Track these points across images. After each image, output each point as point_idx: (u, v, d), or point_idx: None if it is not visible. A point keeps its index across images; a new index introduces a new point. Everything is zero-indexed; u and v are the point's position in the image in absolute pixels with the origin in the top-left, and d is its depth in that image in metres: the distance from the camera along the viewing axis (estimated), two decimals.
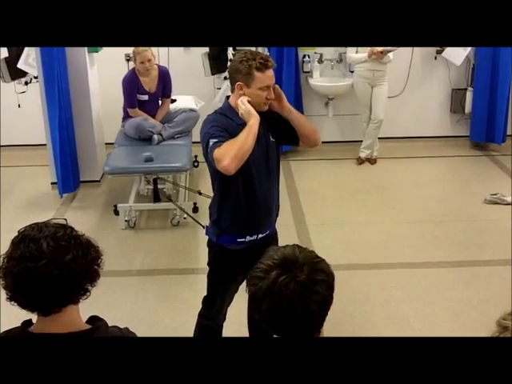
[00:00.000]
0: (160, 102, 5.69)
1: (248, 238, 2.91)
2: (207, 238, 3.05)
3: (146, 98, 5.47)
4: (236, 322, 3.28)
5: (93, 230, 4.82)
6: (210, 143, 2.67)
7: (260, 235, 2.93)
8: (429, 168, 6.47)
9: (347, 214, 5.33)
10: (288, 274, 1.56)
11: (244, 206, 2.84)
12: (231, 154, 2.59)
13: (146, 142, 5.46)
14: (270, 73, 2.72)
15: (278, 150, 2.96)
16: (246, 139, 2.64)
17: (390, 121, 6.53)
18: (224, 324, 3.17)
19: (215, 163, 2.64)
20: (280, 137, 2.92)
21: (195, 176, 6.02)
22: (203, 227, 3.11)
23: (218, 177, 2.82)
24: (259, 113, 2.77)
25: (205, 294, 3.12)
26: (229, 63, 6.15)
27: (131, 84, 5.40)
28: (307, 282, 1.56)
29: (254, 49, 6.37)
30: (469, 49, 6.41)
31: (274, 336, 1.65)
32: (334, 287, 1.62)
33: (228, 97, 2.87)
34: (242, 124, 2.75)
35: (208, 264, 3.07)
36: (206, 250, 3.08)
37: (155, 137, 5.44)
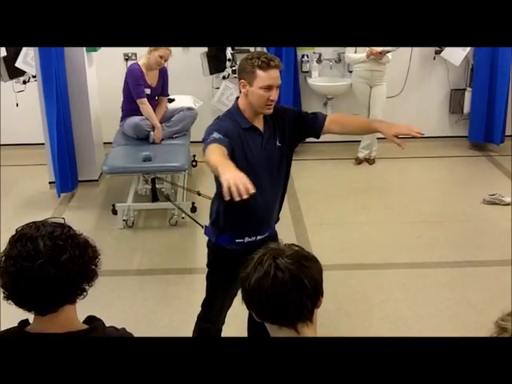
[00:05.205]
0: (157, 101, 5.68)
1: (246, 239, 2.89)
2: (207, 238, 3.03)
3: (148, 91, 5.46)
4: (236, 325, 3.27)
5: (91, 230, 4.82)
6: (209, 139, 2.65)
7: (259, 237, 2.91)
8: (427, 168, 6.47)
9: (345, 214, 5.33)
10: (275, 251, 1.62)
11: (243, 208, 2.82)
12: (211, 160, 2.55)
13: (144, 142, 5.44)
14: (274, 73, 2.68)
15: (286, 154, 2.90)
16: (214, 166, 2.51)
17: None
18: (223, 327, 3.15)
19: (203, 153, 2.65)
20: (297, 136, 2.91)
21: (194, 176, 6.01)
22: (202, 227, 3.09)
23: (215, 177, 2.82)
24: (266, 116, 2.80)
25: (203, 294, 3.11)
26: (228, 63, 6.18)
27: (139, 75, 5.38)
28: (295, 255, 1.61)
29: (253, 49, 6.42)
30: (468, 49, 6.41)
31: (270, 336, 1.65)
32: (323, 273, 1.64)
33: (238, 98, 2.85)
34: (246, 128, 2.76)
35: (207, 265, 3.06)
36: (205, 250, 3.07)
37: (152, 133, 5.43)
